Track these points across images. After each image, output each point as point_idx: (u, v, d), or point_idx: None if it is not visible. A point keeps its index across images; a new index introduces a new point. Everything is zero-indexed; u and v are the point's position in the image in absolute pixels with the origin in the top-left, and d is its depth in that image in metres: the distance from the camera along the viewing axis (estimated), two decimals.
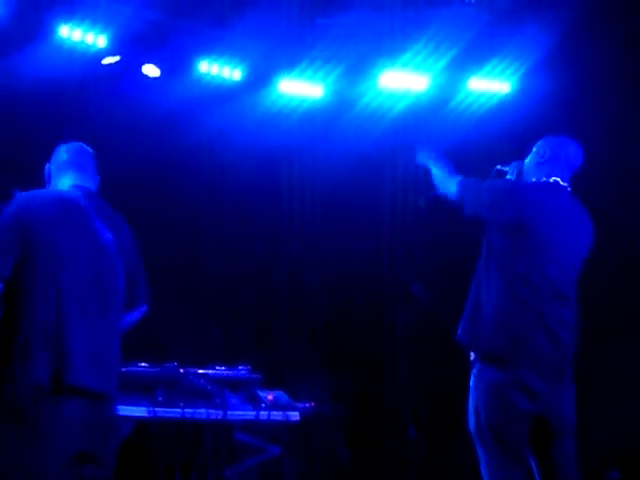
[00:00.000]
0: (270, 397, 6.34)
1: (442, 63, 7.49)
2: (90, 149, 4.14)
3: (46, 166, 4.11)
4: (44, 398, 3.62)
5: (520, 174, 4.31)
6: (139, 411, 5.90)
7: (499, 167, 4.44)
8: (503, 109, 7.59)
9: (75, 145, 4.12)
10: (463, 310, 4.16)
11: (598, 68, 7.13)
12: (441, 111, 7.76)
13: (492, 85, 7.62)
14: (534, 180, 4.24)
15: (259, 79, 7.80)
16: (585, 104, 7.05)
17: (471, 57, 7.50)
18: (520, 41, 7.27)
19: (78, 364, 3.67)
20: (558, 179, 4.23)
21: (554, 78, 7.23)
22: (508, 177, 4.35)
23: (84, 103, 7.29)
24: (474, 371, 4.07)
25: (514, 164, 4.36)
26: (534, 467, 4.06)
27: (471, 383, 4.07)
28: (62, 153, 4.07)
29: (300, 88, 7.87)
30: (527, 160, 4.33)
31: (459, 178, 4.24)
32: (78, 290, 3.75)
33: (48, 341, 3.64)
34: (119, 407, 5.72)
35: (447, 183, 4.27)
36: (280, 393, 6.47)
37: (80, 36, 7.03)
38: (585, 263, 4.24)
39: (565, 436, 4.08)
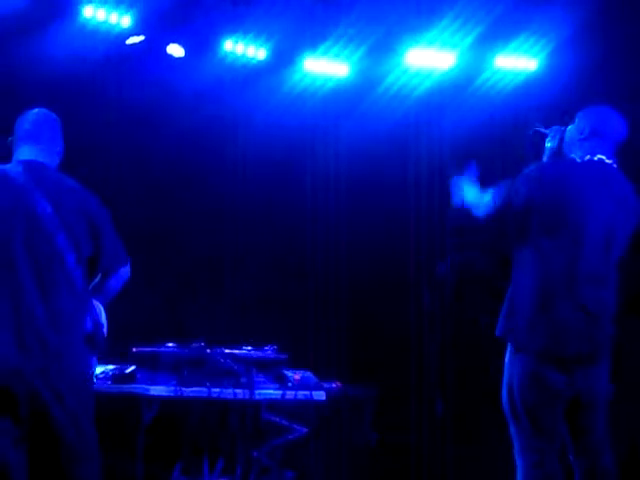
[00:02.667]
0: (297, 377, 6.35)
1: (468, 40, 7.41)
2: (53, 115, 4.09)
3: (9, 140, 4.10)
4: None
5: (562, 141, 4.21)
6: (166, 390, 5.92)
7: (540, 129, 4.33)
8: (530, 87, 7.51)
9: (34, 114, 4.08)
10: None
11: (625, 45, 7.04)
12: (467, 89, 7.68)
13: (519, 62, 7.54)
14: (577, 159, 4.15)
15: (284, 58, 7.75)
16: (612, 81, 6.97)
17: (498, 34, 7.40)
18: (547, 18, 7.17)
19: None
20: (603, 157, 4.14)
21: (581, 55, 7.13)
22: (548, 141, 4.25)
23: (108, 83, 7.28)
24: (509, 351, 4.04)
25: (555, 128, 4.23)
26: (567, 443, 4.04)
27: (506, 363, 4.04)
28: (19, 124, 4.06)
29: (325, 67, 7.82)
30: (569, 130, 4.22)
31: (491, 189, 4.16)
32: (9, 265, 3.76)
33: None
34: (147, 387, 5.83)
35: (483, 201, 4.15)
36: (307, 373, 6.47)
37: (104, 16, 7.01)
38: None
39: (598, 411, 4.06)
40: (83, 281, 3.92)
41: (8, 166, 3.98)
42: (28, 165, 3.96)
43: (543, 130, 4.28)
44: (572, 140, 4.16)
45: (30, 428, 3.73)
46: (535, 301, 3.97)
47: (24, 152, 4.01)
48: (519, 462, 4.00)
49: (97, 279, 4.02)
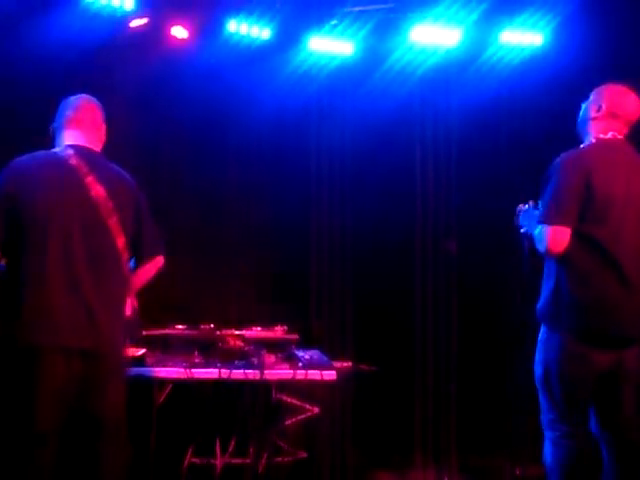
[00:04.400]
0: (307, 356, 6.35)
1: (474, 16, 7.38)
2: (94, 100, 4.13)
3: (50, 127, 4.14)
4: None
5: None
6: (176, 373, 5.93)
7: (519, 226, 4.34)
8: (536, 62, 7.47)
9: (74, 100, 4.13)
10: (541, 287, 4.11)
11: (631, 19, 7.01)
12: (473, 65, 7.65)
13: (524, 38, 7.50)
14: (591, 140, 4.14)
15: (288, 37, 7.71)
16: (620, 56, 6.93)
17: (503, 9, 7.38)
18: None
19: (62, 323, 3.71)
20: (615, 133, 4.13)
21: (587, 29, 7.10)
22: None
23: (112, 67, 7.25)
24: (546, 326, 4.04)
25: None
26: (596, 416, 4.06)
27: (541, 340, 4.05)
28: (61, 110, 4.11)
29: (330, 45, 7.79)
30: (583, 107, 4.22)
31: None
32: (65, 249, 3.77)
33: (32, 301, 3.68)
34: (157, 369, 5.84)
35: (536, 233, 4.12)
36: (317, 352, 6.48)
37: None
38: None
39: (630, 389, 4.09)
40: (127, 265, 3.93)
41: (58, 150, 4.00)
42: (78, 149, 3.98)
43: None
44: (585, 118, 4.17)
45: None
46: (584, 282, 3.98)
47: (69, 137, 4.04)
48: (548, 434, 4.07)
49: (131, 264, 4.04)
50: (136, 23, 7.20)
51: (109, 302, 3.86)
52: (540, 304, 4.09)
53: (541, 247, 4.01)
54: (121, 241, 3.89)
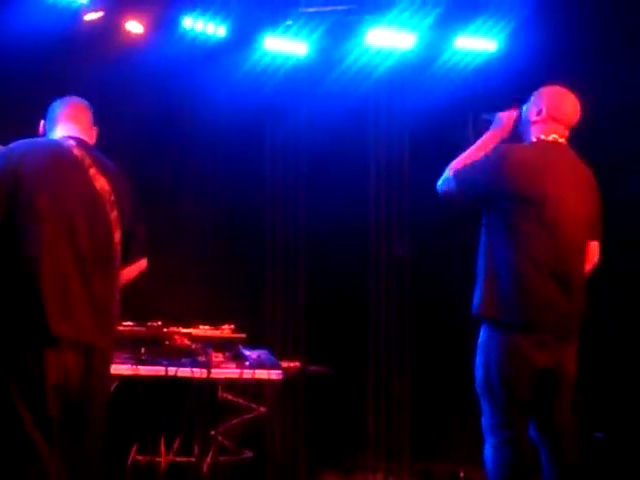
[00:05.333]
0: (254, 356, 6.35)
1: (428, 21, 7.43)
2: (85, 101, 4.10)
3: (41, 122, 4.08)
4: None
5: (514, 125, 4.24)
6: (122, 369, 5.90)
7: (485, 115, 4.36)
8: (490, 68, 7.54)
9: (68, 99, 4.09)
10: (475, 282, 4.13)
11: (583, 25, 7.09)
12: (428, 70, 7.70)
13: (479, 44, 7.56)
14: (532, 139, 4.18)
15: (244, 36, 7.69)
16: (572, 61, 7.02)
17: (457, 15, 7.43)
18: None
19: (78, 316, 3.65)
20: (556, 136, 4.17)
21: (540, 36, 7.18)
22: (492, 127, 4.28)
23: (66, 60, 7.19)
24: (487, 328, 4.06)
25: (499, 114, 4.28)
26: (534, 422, 4.10)
27: (482, 341, 4.07)
28: (55, 107, 4.05)
29: (285, 45, 7.79)
30: (524, 108, 4.25)
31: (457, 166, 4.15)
32: (73, 240, 3.70)
33: (27, 293, 3.60)
34: None
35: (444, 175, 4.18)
36: (264, 352, 6.47)
37: None
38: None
39: (566, 392, 4.13)
40: (119, 261, 3.89)
41: (58, 139, 3.91)
42: (78, 140, 3.91)
43: (487, 116, 4.32)
44: (526, 121, 4.21)
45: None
46: (518, 278, 4.00)
47: (66, 130, 3.96)
48: (489, 439, 4.06)
49: None
50: (91, 16, 7.15)
51: (109, 297, 3.81)
52: (476, 301, 4.10)
53: (441, 184, 4.14)
54: (118, 236, 3.85)
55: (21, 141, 3.83)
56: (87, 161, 3.83)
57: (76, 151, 3.83)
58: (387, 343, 8.02)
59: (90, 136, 4.04)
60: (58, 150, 3.82)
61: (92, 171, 3.81)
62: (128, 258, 3.95)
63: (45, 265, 3.60)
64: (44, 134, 4.05)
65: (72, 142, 3.87)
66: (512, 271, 4.00)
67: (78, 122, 4.00)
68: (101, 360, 3.77)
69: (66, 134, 3.93)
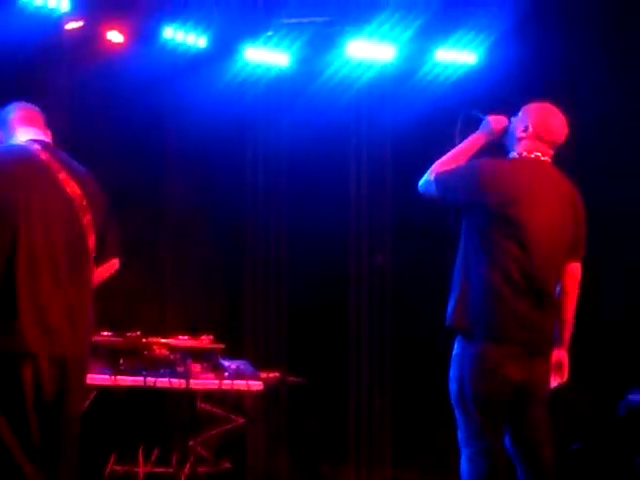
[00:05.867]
0: (233, 366, 6.34)
1: (408, 34, 7.46)
2: (35, 106, 4.02)
3: None
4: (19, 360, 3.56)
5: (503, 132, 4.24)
6: (101, 379, 5.88)
7: (476, 113, 4.32)
8: (470, 80, 7.57)
9: (18, 103, 4.00)
10: (449, 293, 4.14)
11: (562, 39, 7.14)
12: (408, 82, 7.73)
13: (459, 56, 7.60)
14: (515, 155, 4.19)
15: (224, 46, 7.70)
16: (550, 74, 7.07)
17: (437, 28, 7.46)
18: (485, 12, 7.27)
19: (53, 328, 3.60)
20: (539, 154, 4.18)
21: (520, 49, 7.22)
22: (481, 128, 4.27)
23: (47, 69, 7.18)
24: (460, 340, 4.07)
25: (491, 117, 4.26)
26: (508, 434, 4.10)
27: (456, 353, 4.07)
28: (8, 112, 3.96)
29: (266, 56, 7.80)
30: (512, 121, 4.24)
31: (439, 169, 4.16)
32: (49, 247, 3.65)
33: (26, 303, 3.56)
34: None
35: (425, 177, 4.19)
36: (244, 362, 6.47)
37: (42, 0, 6.92)
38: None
39: (540, 405, 4.12)
40: (93, 265, 3.85)
41: (23, 144, 3.82)
42: (43, 144, 3.83)
43: (479, 115, 4.29)
44: (512, 136, 4.20)
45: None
46: (491, 292, 3.99)
47: (27, 133, 3.87)
48: (464, 451, 4.04)
49: None
50: (72, 25, 7.14)
51: (84, 303, 3.75)
52: (449, 312, 4.11)
53: (423, 185, 4.14)
54: (92, 241, 3.79)
55: None
56: (55, 165, 3.75)
57: (43, 155, 3.75)
58: (369, 353, 8.03)
59: (49, 138, 3.95)
60: (25, 155, 3.74)
61: (62, 175, 3.74)
62: (100, 259, 3.88)
63: (20, 280, 3.56)
64: (1, 142, 3.95)
65: (37, 146, 3.78)
66: (486, 286, 4.00)
67: (35, 124, 3.91)
68: (77, 369, 3.72)
69: (29, 138, 3.84)
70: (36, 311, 3.57)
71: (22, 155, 3.75)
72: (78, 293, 3.72)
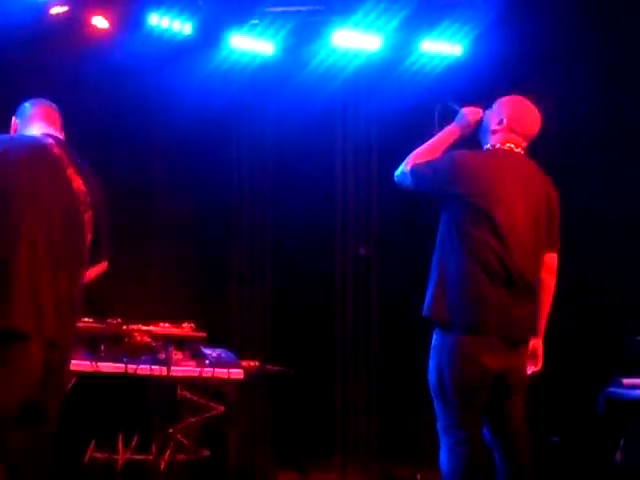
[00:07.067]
0: (214, 354, 6.34)
1: (394, 24, 7.46)
2: (55, 105, 4.11)
3: (12, 119, 4.08)
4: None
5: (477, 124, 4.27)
6: (82, 366, 5.87)
7: (452, 105, 4.37)
8: (455, 72, 7.58)
9: (41, 100, 4.10)
10: (427, 285, 4.15)
11: (547, 31, 7.15)
12: (394, 72, 7.73)
13: (444, 47, 7.61)
14: (487, 147, 4.22)
15: (210, 34, 7.68)
16: (535, 66, 7.08)
17: (423, 19, 7.48)
18: (471, 4, 7.27)
19: (46, 312, 3.65)
20: (512, 145, 4.21)
21: (505, 41, 7.24)
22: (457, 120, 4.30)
23: (31, 54, 7.13)
24: (438, 331, 4.09)
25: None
26: (486, 424, 4.12)
27: (434, 344, 4.09)
28: (29, 107, 4.06)
29: (251, 44, 7.78)
30: (486, 114, 4.28)
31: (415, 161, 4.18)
32: (49, 237, 3.71)
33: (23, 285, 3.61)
34: None
35: (401, 168, 4.21)
36: (225, 351, 6.47)
37: None
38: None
39: (517, 395, 4.15)
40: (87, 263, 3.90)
41: (38, 137, 3.90)
42: (56, 139, 3.91)
43: (455, 106, 4.33)
44: (487, 129, 4.25)
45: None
46: (469, 282, 4.02)
47: (42, 128, 3.95)
48: (444, 440, 4.07)
49: None
50: (56, 10, 7.11)
51: (74, 297, 3.82)
52: (427, 303, 4.13)
53: (398, 175, 4.18)
54: (89, 238, 3.86)
55: (1, 136, 3.85)
56: (65, 161, 3.83)
57: (56, 150, 3.83)
58: (354, 344, 8.04)
59: (62, 137, 4.05)
60: (39, 147, 3.82)
61: (70, 171, 3.82)
62: (92, 259, 3.96)
63: (20, 263, 3.61)
64: (16, 131, 4.04)
65: (51, 140, 3.87)
66: (462, 276, 4.02)
67: (52, 123, 4.01)
68: (61, 356, 3.77)
69: (44, 132, 3.93)
70: (32, 294, 3.63)
71: (34, 144, 3.84)
72: (70, 285, 3.78)
